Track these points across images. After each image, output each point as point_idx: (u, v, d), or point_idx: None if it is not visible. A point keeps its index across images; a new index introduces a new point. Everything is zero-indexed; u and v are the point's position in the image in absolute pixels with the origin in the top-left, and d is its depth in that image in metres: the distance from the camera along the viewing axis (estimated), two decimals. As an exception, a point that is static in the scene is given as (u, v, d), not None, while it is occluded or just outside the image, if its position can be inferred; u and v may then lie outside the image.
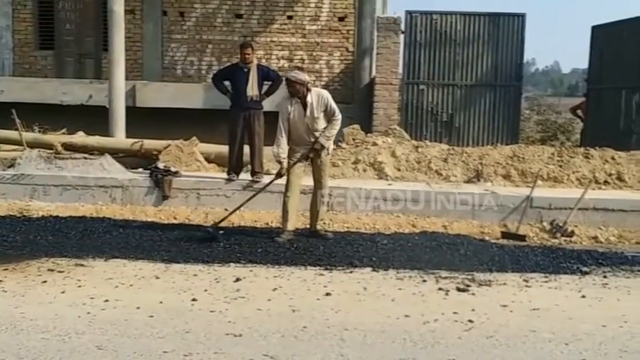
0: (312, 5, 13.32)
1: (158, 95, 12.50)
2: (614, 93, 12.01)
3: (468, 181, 9.10)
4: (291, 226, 7.00)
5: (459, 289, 5.34)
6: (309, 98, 6.85)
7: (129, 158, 9.59)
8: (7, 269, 5.57)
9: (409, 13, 11.93)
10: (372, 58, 12.45)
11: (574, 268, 6.20)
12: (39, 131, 10.59)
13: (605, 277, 5.95)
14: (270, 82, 8.47)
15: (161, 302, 4.81)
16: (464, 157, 9.52)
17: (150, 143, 9.68)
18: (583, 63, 53.10)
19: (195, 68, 13.57)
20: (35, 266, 5.70)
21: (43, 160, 8.84)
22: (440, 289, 5.36)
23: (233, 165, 8.49)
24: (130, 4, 12.73)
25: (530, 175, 9.02)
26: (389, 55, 11.58)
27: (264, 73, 8.41)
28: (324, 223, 7.40)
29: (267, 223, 7.72)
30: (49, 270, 5.58)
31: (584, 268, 6.19)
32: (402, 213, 8.11)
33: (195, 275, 5.57)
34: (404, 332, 4.31)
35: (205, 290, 5.14)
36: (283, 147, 6.88)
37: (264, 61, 12.59)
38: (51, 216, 7.74)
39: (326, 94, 6.97)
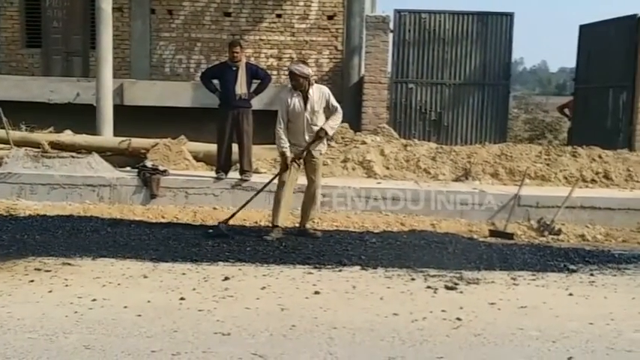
0: (301, 4, 13.31)
1: (146, 93, 12.44)
2: (602, 92, 12.07)
3: (457, 180, 9.14)
4: (281, 220, 6.96)
5: (447, 288, 5.36)
6: (310, 92, 6.86)
7: (117, 157, 9.55)
8: (-7, 269, 5.52)
9: (398, 11, 11.95)
10: (361, 57, 12.45)
11: (561, 266, 6.24)
12: (26, 130, 10.49)
13: (592, 275, 5.99)
14: (258, 81, 8.47)
15: (149, 301, 4.79)
16: (452, 155, 9.56)
17: (138, 142, 9.64)
18: (571, 62, 53.52)
19: (184, 66, 13.51)
20: (22, 265, 5.66)
21: (30, 159, 8.79)
22: (428, 287, 5.38)
23: (222, 164, 8.48)
24: (118, 2, 12.66)
25: (518, 174, 9.08)
26: (378, 54, 11.60)
27: (253, 72, 8.40)
28: (314, 222, 7.39)
29: (256, 222, 7.71)
30: (36, 269, 5.55)
31: (572, 266, 6.23)
32: (390, 211, 8.14)
33: (183, 274, 5.55)
34: (392, 330, 4.32)
35: (194, 289, 5.12)
36: (284, 138, 6.86)
37: (252, 59, 12.57)
38: (38, 215, 7.69)
39: (327, 90, 7.01)
